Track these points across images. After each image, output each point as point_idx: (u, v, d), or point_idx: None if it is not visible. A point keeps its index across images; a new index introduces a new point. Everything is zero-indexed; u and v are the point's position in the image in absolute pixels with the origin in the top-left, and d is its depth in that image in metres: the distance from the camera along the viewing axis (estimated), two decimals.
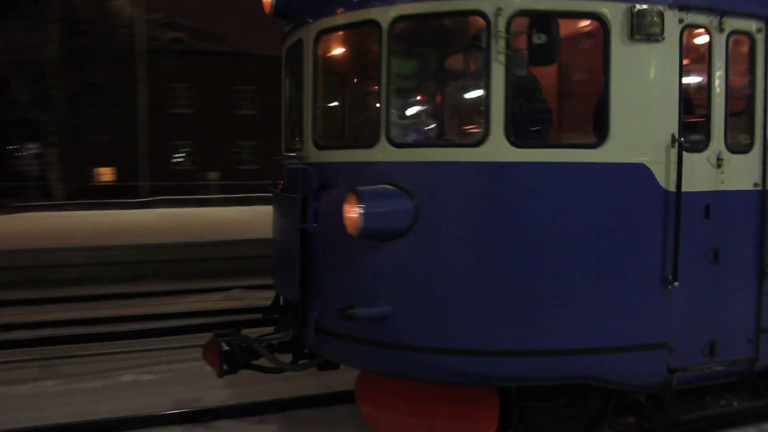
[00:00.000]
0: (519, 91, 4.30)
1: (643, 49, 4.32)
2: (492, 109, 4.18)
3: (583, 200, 4.34)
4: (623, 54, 4.27)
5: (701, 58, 4.69)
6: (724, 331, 4.77)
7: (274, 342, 5.60)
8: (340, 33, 5.10)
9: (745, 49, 4.76)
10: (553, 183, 4.28)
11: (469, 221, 4.27)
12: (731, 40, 4.67)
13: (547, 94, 5.10)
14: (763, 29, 4.75)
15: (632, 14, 4.21)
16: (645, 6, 4.24)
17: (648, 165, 4.34)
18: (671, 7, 4.37)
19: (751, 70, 4.75)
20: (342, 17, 4.76)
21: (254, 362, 5.38)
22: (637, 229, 4.39)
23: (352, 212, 4.18)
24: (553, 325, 4.31)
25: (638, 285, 4.38)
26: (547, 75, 5.24)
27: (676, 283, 4.41)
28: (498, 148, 4.20)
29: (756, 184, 4.75)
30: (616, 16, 4.22)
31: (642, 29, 4.23)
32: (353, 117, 6.15)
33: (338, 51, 5.50)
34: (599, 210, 4.36)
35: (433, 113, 5.29)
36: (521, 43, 4.27)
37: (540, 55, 4.21)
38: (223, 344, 5.18)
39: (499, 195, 4.30)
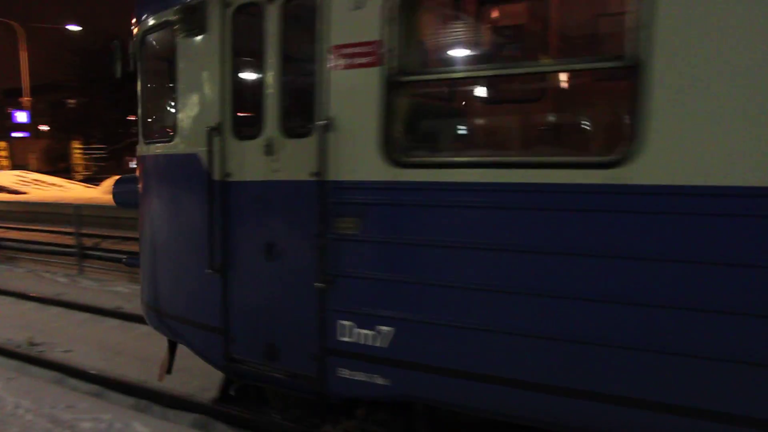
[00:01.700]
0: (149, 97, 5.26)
1: (191, 43, 4.55)
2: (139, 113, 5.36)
3: (161, 188, 4.97)
4: (182, 50, 4.64)
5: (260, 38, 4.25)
6: (283, 337, 4.26)
7: None
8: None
9: (306, 15, 3.97)
10: (156, 173, 5.09)
11: (140, 200, 5.53)
12: (288, 7, 4.07)
13: (158, 94, 5.50)
14: None
15: (183, 11, 4.54)
16: (184, 3, 4.51)
17: (199, 155, 4.54)
18: None
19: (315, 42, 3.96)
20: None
21: None
22: (193, 216, 4.66)
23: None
24: (163, 293, 5.13)
25: (197, 268, 4.64)
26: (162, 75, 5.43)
27: (210, 271, 4.45)
28: (143, 145, 5.34)
29: (313, 174, 3.95)
30: (177, 15, 4.61)
31: (187, 24, 4.50)
32: None
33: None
34: (169, 197, 4.88)
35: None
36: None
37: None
38: None
39: (143, 180, 5.39)
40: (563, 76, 4.76)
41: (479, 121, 4.93)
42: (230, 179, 4.42)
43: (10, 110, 54.62)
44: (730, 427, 2.91)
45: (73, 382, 6.39)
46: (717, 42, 2.84)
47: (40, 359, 7.12)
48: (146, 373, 6.33)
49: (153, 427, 5.06)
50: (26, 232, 16.66)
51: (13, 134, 54.92)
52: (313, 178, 3.94)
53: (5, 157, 48.53)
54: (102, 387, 6.20)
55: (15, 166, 42.89)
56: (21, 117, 52.10)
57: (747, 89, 2.79)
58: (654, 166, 2.99)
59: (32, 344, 7.80)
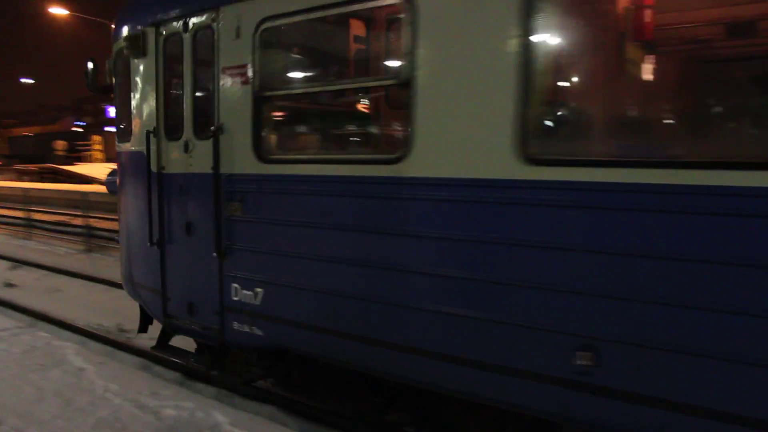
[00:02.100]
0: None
1: (138, 63, 5.76)
2: (115, 118, 6.64)
3: (125, 179, 6.26)
4: (133, 68, 5.86)
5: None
6: (198, 297, 5.40)
7: None
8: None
9: (208, 44, 5.07)
10: (123, 167, 6.40)
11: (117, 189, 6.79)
12: (197, 37, 5.18)
13: (124, 103, 6.30)
14: (211, 19, 4.99)
15: (131, 38, 5.74)
16: (133, 32, 5.72)
17: (144, 152, 5.75)
18: (150, 25, 5.56)
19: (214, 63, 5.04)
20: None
21: None
22: (141, 201, 5.88)
23: None
24: (130, 265, 6.39)
25: (143, 243, 5.86)
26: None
27: (150, 245, 5.66)
28: (117, 144, 6.63)
29: (211, 168, 5.06)
30: (127, 41, 5.80)
31: (134, 48, 5.71)
32: None
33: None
34: (130, 186, 6.15)
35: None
36: None
37: None
38: None
39: (118, 173, 6.65)
40: (368, 91, 5.80)
41: (313, 128, 5.81)
42: (164, 171, 5.61)
43: (104, 106, 59.17)
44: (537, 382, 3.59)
45: (158, 369, 6.50)
46: (452, 71, 3.71)
47: (128, 345, 7.39)
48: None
49: (232, 417, 5.12)
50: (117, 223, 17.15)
51: (107, 128, 59.54)
52: (212, 171, 5.04)
53: (100, 150, 52.71)
54: (184, 376, 6.29)
55: (109, 159, 46.39)
56: (113, 112, 56.34)
57: (474, 107, 3.64)
58: (419, 162, 3.87)
59: (121, 330, 8.14)
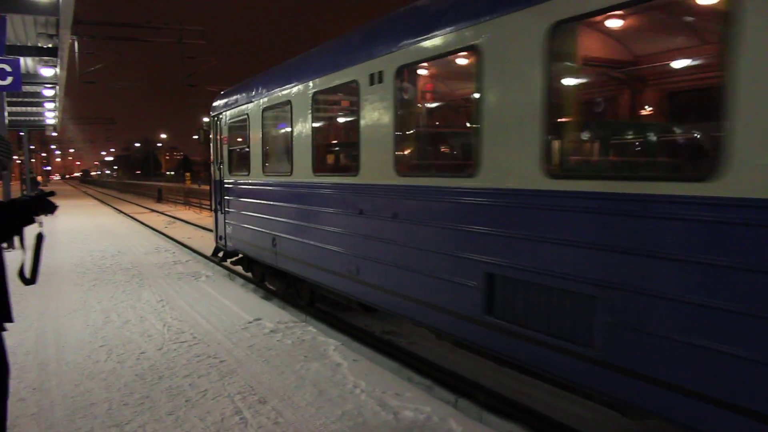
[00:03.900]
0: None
1: (211, 134, 13.41)
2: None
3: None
4: (212, 137, 13.12)
5: None
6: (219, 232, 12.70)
7: None
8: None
9: None
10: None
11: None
12: (215, 121, 11.73)
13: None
14: None
15: (211, 119, 13.45)
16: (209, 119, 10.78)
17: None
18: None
19: None
20: None
21: None
22: (215, 194, 12.97)
23: None
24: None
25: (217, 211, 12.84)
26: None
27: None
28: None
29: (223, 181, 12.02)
30: (210, 119, 11.65)
31: (211, 126, 13.48)
32: None
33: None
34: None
35: None
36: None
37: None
38: None
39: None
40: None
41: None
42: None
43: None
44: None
45: (407, 372, 6.35)
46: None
47: (385, 347, 7.51)
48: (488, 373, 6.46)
49: (466, 427, 5.04)
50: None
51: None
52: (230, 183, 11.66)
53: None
54: (433, 381, 6.03)
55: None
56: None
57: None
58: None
59: (384, 332, 8.43)
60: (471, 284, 5.15)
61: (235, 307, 9.36)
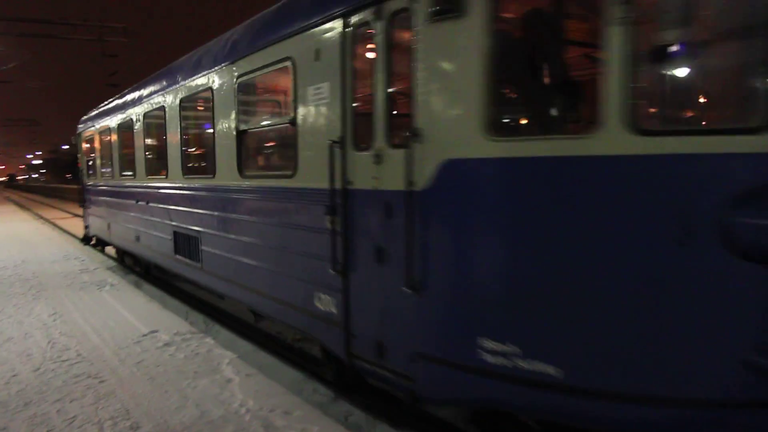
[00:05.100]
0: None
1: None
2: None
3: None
4: None
5: None
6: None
7: None
8: None
9: None
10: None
11: None
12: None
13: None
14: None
15: None
16: None
17: None
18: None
19: None
20: None
21: None
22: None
23: None
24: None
25: None
26: None
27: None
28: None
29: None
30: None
31: None
32: None
33: None
34: None
35: None
36: None
37: None
38: None
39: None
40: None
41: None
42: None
43: None
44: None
45: (313, 384, 5.92)
46: None
47: (292, 356, 7.05)
48: None
49: None
50: None
51: None
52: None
53: None
54: (336, 393, 5.63)
55: None
56: None
57: None
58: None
59: (295, 339, 7.60)
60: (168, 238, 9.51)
61: (132, 318, 8.67)
